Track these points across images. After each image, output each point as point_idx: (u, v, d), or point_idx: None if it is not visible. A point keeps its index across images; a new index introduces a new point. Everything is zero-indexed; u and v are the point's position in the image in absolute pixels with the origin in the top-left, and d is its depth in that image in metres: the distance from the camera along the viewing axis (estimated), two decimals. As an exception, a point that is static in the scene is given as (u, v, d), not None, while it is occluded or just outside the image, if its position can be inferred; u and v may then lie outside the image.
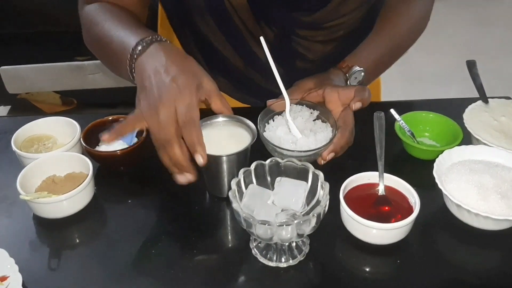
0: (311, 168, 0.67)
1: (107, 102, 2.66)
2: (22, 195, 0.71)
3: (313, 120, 0.82)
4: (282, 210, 0.65)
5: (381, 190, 0.73)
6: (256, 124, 0.77)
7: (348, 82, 0.87)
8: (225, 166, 0.74)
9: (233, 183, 0.66)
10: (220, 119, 0.77)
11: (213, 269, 0.67)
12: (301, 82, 0.86)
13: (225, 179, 0.75)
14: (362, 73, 0.86)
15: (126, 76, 0.74)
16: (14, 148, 0.80)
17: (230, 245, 0.71)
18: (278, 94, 0.80)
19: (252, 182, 0.69)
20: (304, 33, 0.91)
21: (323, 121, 0.82)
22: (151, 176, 0.84)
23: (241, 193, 0.67)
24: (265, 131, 0.80)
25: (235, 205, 0.62)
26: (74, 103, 2.69)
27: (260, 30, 0.89)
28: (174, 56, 0.69)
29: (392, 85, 2.44)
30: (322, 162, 0.78)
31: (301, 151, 0.75)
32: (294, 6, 0.87)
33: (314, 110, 0.82)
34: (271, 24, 0.89)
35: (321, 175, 0.66)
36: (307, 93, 0.83)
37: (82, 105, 2.70)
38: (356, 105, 0.79)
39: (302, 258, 0.67)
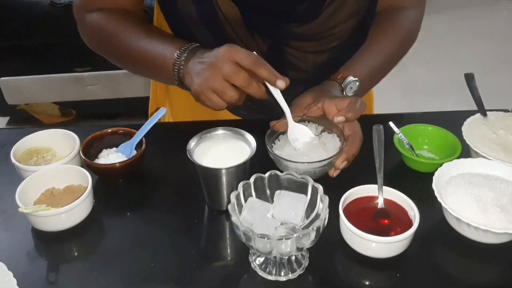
0: (311, 181, 0.67)
1: (106, 113, 2.66)
2: (21, 208, 0.71)
3: (320, 133, 0.83)
4: (281, 224, 0.65)
5: (380, 203, 0.73)
6: (254, 137, 0.77)
7: (344, 93, 0.87)
8: (224, 179, 0.74)
9: (233, 196, 0.66)
10: (220, 131, 0.77)
11: (213, 283, 0.67)
12: (300, 99, 0.87)
13: (224, 192, 0.75)
14: (357, 83, 0.87)
15: (165, 78, 0.82)
16: (13, 160, 0.80)
17: (229, 259, 0.71)
18: (274, 103, 0.80)
19: (251, 195, 0.69)
20: (296, 44, 0.92)
21: (329, 133, 0.83)
22: (150, 189, 0.84)
23: (240, 206, 0.67)
24: (273, 150, 0.80)
25: (234, 218, 0.62)
26: (73, 114, 2.69)
27: (253, 41, 0.90)
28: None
29: (390, 98, 2.46)
30: (335, 173, 0.80)
31: (315, 162, 0.76)
32: (285, 18, 0.88)
33: (318, 124, 0.83)
34: (264, 35, 0.90)
35: (320, 188, 0.66)
36: (307, 109, 0.84)
37: (81, 116, 2.70)
38: (338, 119, 0.80)
39: (301, 272, 0.67)
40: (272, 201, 0.69)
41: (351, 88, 0.87)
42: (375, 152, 0.78)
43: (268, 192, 0.70)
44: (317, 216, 0.66)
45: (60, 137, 0.86)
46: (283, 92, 0.78)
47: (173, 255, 0.71)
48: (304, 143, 0.80)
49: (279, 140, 0.83)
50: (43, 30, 2.47)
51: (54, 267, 0.71)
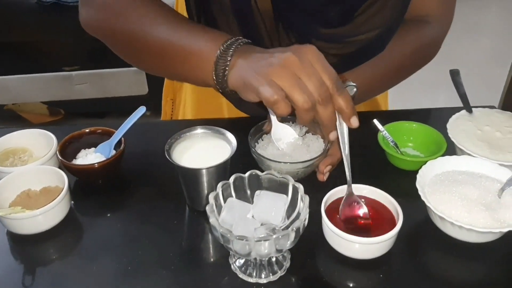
0: (291, 181, 0.66)
1: (94, 112, 2.64)
2: (-5, 211, 0.69)
3: (304, 134, 0.82)
4: (261, 224, 0.64)
5: (348, 191, 0.71)
6: (240, 136, 0.75)
7: None
8: (204, 179, 0.72)
9: (211, 197, 0.64)
10: (199, 131, 0.76)
11: (192, 285, 0.65)
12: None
13: (205, 192, 0.74)
14: (355, 89, 0.83)
15: (195, 78, 0.71)
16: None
17: (210, 261, 0.70)
18: None
19: (231, 196, 0.67)
20: (319, 44, 0.88)
21: (313, 134, 0.81)
22: (130, 189, 0.82)
23: (219, 207, 0.66)
24: (256, 150, 0.79)
25: (212, 220, 0.60)
26: (62, 113, 2.67)
27: (278, 35, 0.88)
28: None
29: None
30: (325, 176, 0.78)
31: (298, 162, 0.74)
32: (316, 19, 0.86)
33: (302, 125, 0.82)
34: (290, 32, 0.87)
35: (301, 187, 0.65)
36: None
37: (70, 115, 2.67)
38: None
39: (282, 274, 0.66)
40: (253, 202, 0.68)
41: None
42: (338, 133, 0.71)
43: (248, 192, 0.69)
44: (298, 216, 0.64)
45: (37, 137, 0.84)
46: None
47: (153, 256, 0.69)
48: (287, 144, 0.79)
49: (262, 140, 0.82)
50: (30, 29, 2.44)
51: (30, 270, 0.69)
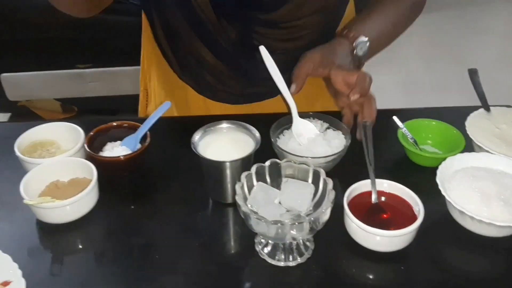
0: (323, 174, 0.68)
1: (107, 109, 2.66)
2: (26, 200, 0.71)
3: (325, 130, 0.83)
4: (287, 211, 0.66)
5: (374, 198, 0.73)
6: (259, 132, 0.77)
7: (354, 52, 0.87)
8: (228, 172, 0.74)
9: (238, 187, 0.66)
10: (224, 125, 0.77)
11: (221, 274, 0.67)
12: (308, 54, 0.86)
13: (228, 185, 0.75)
14: (367, 44, 0.86)
15: None
16: (17, 153, 0.80)
17: (235, 250, 0.72)
18: (250, 89, 0.85)
19: (253, 186, 0.69)
20: (263, 31, 0.92)
21: (334, 130, 0.83)
22: (154, 182, 0.84)
23: (244, 196, 0.67)
24: (278, 144, 0.80)
25: (244, 208, 0.62)
26: (75, 110, 2.69)
27: (221, 27, 0.91)
28: None
29: (392, 94, 2.46)
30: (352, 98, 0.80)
31: (319, 157, 0.76)
32: (250, 5, 0.89)
33: (323, 121, 0.84)
34: (231, 21, 0.91)
35: (330, 182, 0.66)
36: (313, 70, 0.84)
37: (83, 112, 2.70)
38: (355, 97, 0.80)
39: (309, 256, 0.68)
40: (279, 189, 0.69)
41: (361, 48, 0.87)
42: (364, 148, 0.78)
43: (269, 181, 0.70)
44: (322, 206, 0.66)
45: (64, 130, 0.86)
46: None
47: (178, 247, 0.71)
48: (308, 139, 0.80)
49: (283, 135, 0.83)
50: (45, 26, 2.46)
51: (58, 259, 0.71)
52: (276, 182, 0.70)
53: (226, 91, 1.00)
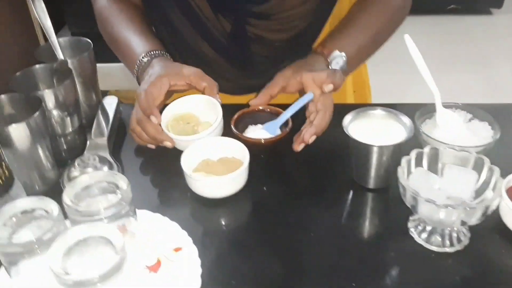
0: (487, 162, 0.68)
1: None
2: (188, 174, 0.76)
3: (469, 121, 0.83)
4: (447, 198, 0.67)
5: None
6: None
7: (330, 67, 0.88)
8: (375, 156, 0.75)
9: (400, 171, 0.67)
10: (378, 111, 0.79)
11: (377, 257, 0.69)
12: (280, 72, 0.88)
13: (373, 170, 0.77)
14: (344, 58, 0.87)
15: (132, 73, 0.94)
16: (165, 131, 0.85)
17: (387, 235, 0.73)
18: (248, 80, 0.92)
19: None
20: (256, 23, 0.94)
21: (480, 121, 0.82)
22: (293, 164, 0.87)
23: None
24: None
25: (410, 191, 0.64)
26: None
27: (217, 19, 0.94)
28: (163, 63, 0.87)
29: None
30: (299, 147, 0.83)
31: (469, 147, 0.75)
32: None
33: (467, 112, 0.84)
34: (225, 14, 0.93)
35: (495, 168, 0.67)
36: (286, 83, 0.86)
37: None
38: (328, 87, 0.82)
39: (467, 243, 0.69)
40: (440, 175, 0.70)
41: (337, 63, 0.87)
42: None
43: (428, 167, 0.71)
44: (487, 194, 0.66)
45: (203, 103, 0.88)
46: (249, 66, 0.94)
47: (325, 229, 0.74)
48: (453, 129, 0.81)
49: (425, 124, 0.84)
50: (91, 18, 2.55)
51: (221, 228, 0.76)
52: (433, 168, 0.71)
53: (225, 83, 1.01)
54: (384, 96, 1.03)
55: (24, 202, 0.61)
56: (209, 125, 0.84)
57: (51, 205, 0.61)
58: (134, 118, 0.87)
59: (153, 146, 0.87)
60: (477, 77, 2.79)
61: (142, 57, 0.89)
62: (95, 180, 0.65)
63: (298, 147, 0.83)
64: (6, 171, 0.67)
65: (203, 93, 0.86)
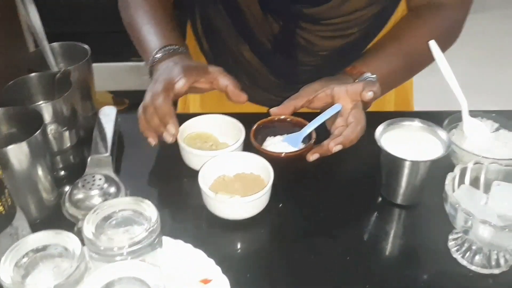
0: None
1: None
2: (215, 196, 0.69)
3: (496, 130, 0.80)
4: (497, 216, 0.63)
5: None
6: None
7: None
8: (406, 172, 0.71)
9: (449, 178, 0.64)
10: (414, 122, 0.75)
11: (417, 278, 0.66)
12: (307, 85, 0.84)
13: (404, 185, 0.73)
14: (375, 81, 0.81)
15: (146, 63, 0.87)
16: (183, 145, 0.78)
17: (427, 254, 0.69)
18: (285, 92, 0.84)
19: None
20: (307, 27, 0.89)
21: (509, 131, 0.80)
22: (317, 177, 0.81)
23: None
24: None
25: (462, 209, 0.60)
26: (126, 103, 2.68)
27: (266, 20, 0.88)
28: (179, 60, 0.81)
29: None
30: (312, 157, 0.76)
31: (501, 159, 0.72)
32: None
33: (493, 121, 0.81)
34: (275, 15, 0.88)
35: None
36: (313, 96, 0.81)
37: (135, 105, 2.68)
38: (369, 94, 0.76)
39: (507, 268, 0.65)
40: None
41: None
42: None
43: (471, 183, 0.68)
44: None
45: (224, 124, 0.83)
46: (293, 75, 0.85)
47: (355, 244, 0.70)
48: (481, 140, 0.78)
49: (453, 135, 0.80)
50: (100, 18, 2.45)
51: (248, 254, 0.70)
52: (475, 184, 0.68)
53: (259, 93, 0.97)
54: (427, 101, 0.97)
55: (38, 238, 0.53)
56: (226, 146, 0.79)
57: (71, 241, 0.52)
58: (150, 93, 0.81)
59: (153, 142, 0.79)
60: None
61: (156, 52, 0.83)
62: (119, 209, 0.57)
63: (311, 156, 0.76)
64: (9, 199, 0.58)
65: (225, 91, 0.79)
